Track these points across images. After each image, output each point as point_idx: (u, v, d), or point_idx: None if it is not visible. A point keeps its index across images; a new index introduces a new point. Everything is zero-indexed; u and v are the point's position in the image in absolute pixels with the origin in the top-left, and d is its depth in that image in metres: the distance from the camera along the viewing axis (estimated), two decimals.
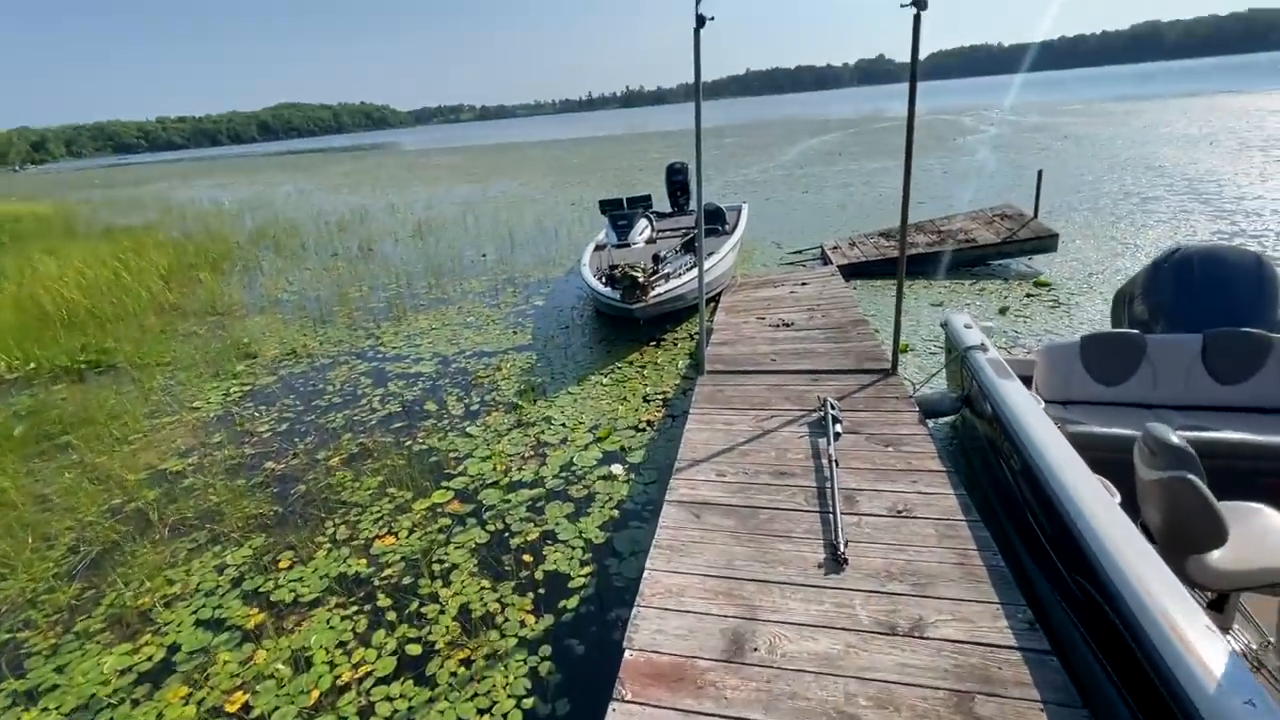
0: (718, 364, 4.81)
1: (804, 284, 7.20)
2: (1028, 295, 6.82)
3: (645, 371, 5.70)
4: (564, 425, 4.81)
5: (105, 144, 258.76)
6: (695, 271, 5.85)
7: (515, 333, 7.09)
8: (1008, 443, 2.91)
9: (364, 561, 3.49)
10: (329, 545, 3.67)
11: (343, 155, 63.29)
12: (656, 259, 7.03)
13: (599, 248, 8.77)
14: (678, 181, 11.35)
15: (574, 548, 3.46)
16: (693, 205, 11.49)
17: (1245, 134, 18.78)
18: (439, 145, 70.58)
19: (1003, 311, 6.39)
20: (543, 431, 4.75)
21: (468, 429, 4.89)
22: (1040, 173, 8.42)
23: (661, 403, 5.05)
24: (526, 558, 3.41)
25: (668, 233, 9.41)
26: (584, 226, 13.11)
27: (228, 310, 8.87)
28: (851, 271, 7.98)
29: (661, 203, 11.41)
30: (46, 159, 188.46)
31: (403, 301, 8.64)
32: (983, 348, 3.65)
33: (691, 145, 3.62)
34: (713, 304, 7.03)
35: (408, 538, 3.67)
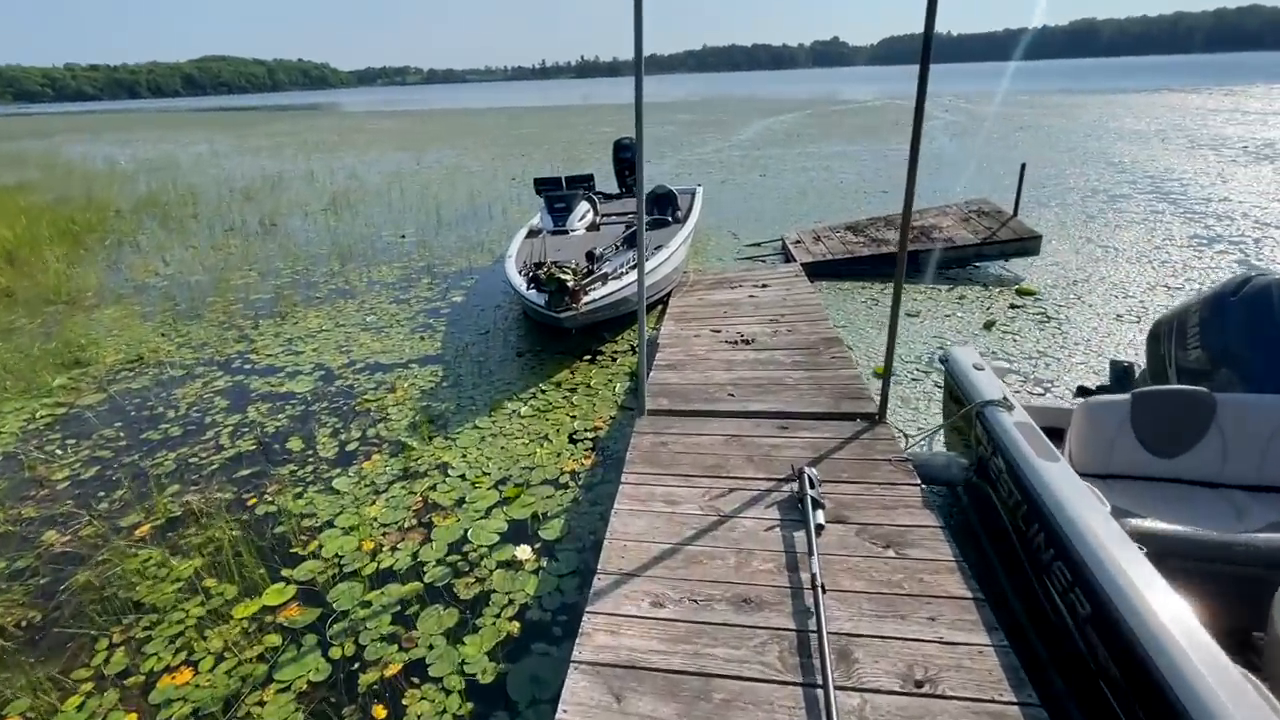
0: (662, 399, 3.80)
1: (765, 285, 6.28)
2: (1012, 306, 6.07)
3: (575, 398, 4.65)
4: (463, 478, 3.72)
5: (4, 91, 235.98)
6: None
7: (423, 338, 5.89)
8: (1064, 565, 2.02)
9: None
10: (89, 686, 2.51)
11: (276, 115, 58.65)
12: (591, 257, 5.93)
13: (532, 234, 7.60)
14: (626, 159, 10.19)
15: (449, 691, 2.42)
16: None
17: (1193, 131, 18.88)
18: (380, 108, 66.41)
19: (988, 327, 5.60)
20: (434, 486, 3.65)
21: (335, 481, 3.74)
22: (1024, 166, 7.68)
23: (591, 445, 4.02)
24: (378, 711, 2.35)
25: (613, 218, 8.31)
26: (522, 206, 11.82)
27: (75, 298, 7.30)
28: (816, 271, 7.09)
29: (608, 182, 10.27)
30: None
31: (294, 293, 7.27)
32: (1005, 404, 2.75)
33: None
34: (660, 307, 6.02)
35: (211, 671, 2.54)
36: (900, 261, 3.14)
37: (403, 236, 9.92)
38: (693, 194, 9.60)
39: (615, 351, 5.48)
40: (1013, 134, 20.05)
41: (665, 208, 8.00)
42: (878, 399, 3.44)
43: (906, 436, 3.53)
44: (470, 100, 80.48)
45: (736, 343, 4.75)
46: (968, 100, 37.41)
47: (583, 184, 8.33)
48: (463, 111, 51.07)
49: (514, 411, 4.46)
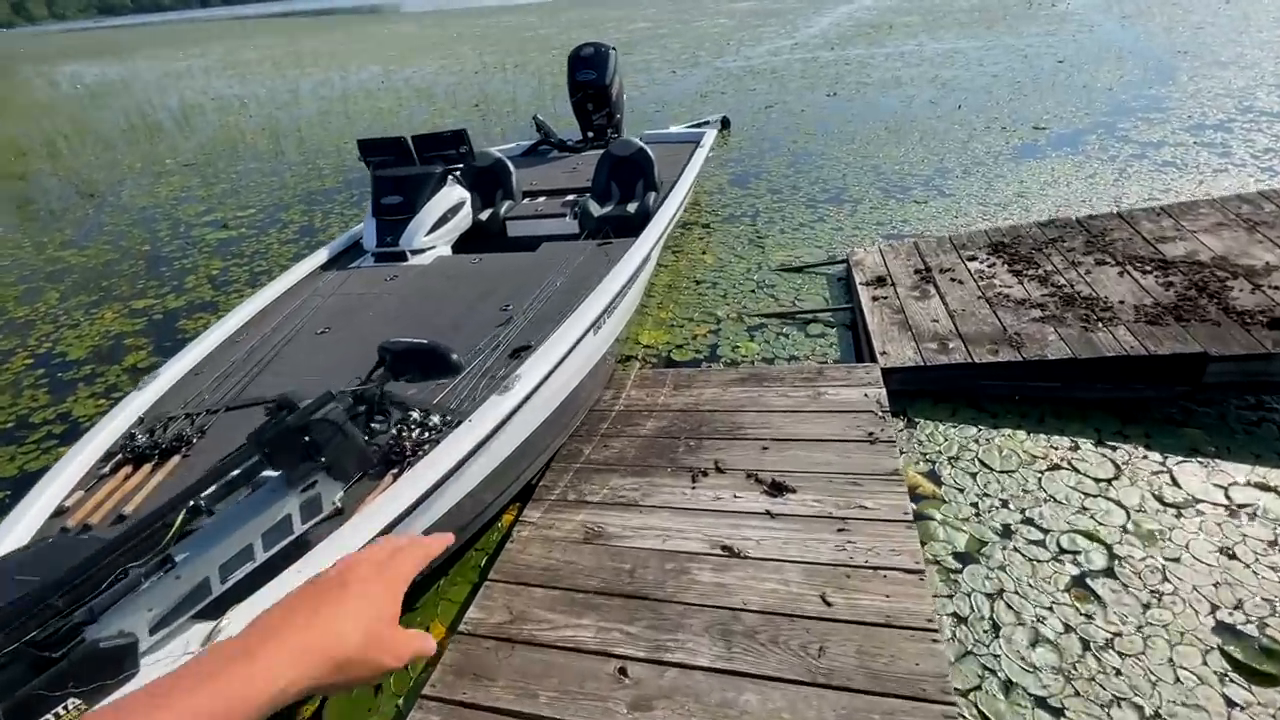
0: None
1: (794, 441, 2.20)
2: None
3: None
4: None
5: (90, 5, 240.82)
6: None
7: None
8: None
9: None
10: None
11: (331, 20, 54.27)
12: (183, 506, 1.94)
13: (331, 266, 3.78)
14: (588, 84, 5.91)
15: None
16: (623, 134, 6.13)
17: None
18: (441, 8, 60.44)
19: None
20: None
21: None
22: None
23: None
24: None
25: (543, 214, 4.35)
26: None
27: None
28: (915, 380, 2.90)
29: (571, 128, 6.18)
30: (17, 22, 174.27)
31: None
32: None
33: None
34: (519, 504, 2.18)
35: None
36: None
37: (225, 225, 6.16)
38: (696, 143, 5.36)
39: None
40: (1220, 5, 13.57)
41: (632, 184, 4.12)
42: None
43: None
44: None
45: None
46: None
47: (447, 148, 4.19)
48: (524, 7, 44.94)
49: None
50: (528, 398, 2.21)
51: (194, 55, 28.33)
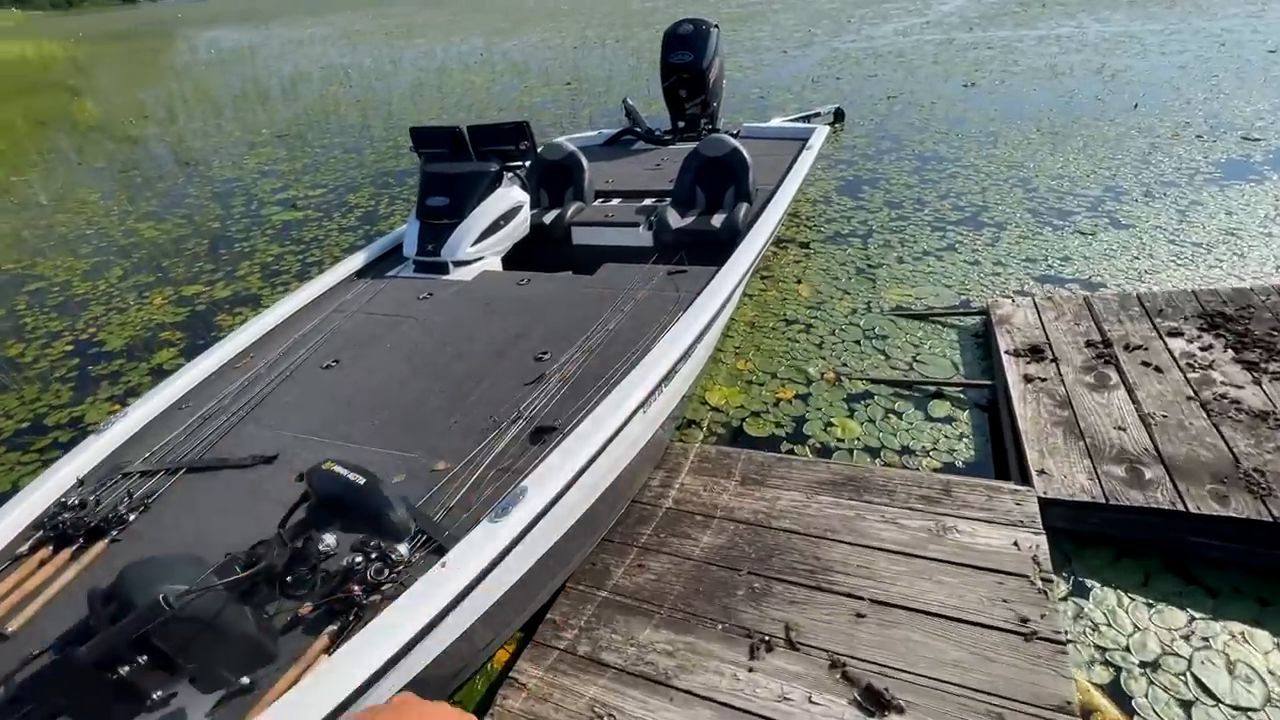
0: None
1: (905, 611, 1.43)
2: None
3: None
4: None
5: None
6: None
7: None
8: None
9: None
10: None
11: None
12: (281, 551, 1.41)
13: (366, 273, 3.36)
14: (683, 67, 5.19)
15: None
16: (718, 124, 5.40)
17: None
18: None
19: None
20: None
21: None
22: None
23: None
24: None
25: (613, 221, 3.73)
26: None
27: None
28: (1089, 519, 2.03)
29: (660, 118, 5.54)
30: None
31: None
32: None
33: None
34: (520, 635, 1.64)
35: None
36: None
37: (294, 205, 5.94)
38: (803, 142, 4.57)
39: None
40: None
41: (721, 191, 3.64)
42: None
43: None
44: None
45: None
46: None
47: (506, 143, 3.59)
48: None
49: None
50: (535, 521, 1.59)
51: (324, 23, 29.59)
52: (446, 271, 3.22)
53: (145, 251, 5.22)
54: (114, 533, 1.81)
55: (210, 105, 11.65)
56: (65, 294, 4.63)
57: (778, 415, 2.73)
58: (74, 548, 1.79)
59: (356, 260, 3.41)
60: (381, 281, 3.18)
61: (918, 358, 2.98)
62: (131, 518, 1.85)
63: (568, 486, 1.67)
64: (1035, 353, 2.67)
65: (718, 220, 3.43)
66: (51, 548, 1.79)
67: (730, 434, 2.67)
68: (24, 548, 1.80)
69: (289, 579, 1.18)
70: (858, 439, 2.56)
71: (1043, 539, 1.90)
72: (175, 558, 1.11)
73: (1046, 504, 2.02)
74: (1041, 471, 2.12)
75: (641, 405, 1.98)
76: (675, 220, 3.50)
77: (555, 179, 4.06)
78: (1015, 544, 1.90)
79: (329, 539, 1.33)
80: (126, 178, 7.48)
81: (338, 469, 1.19)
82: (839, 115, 6.70)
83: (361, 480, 1.17)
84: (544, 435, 1.90)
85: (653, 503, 2.28)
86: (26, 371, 3.69)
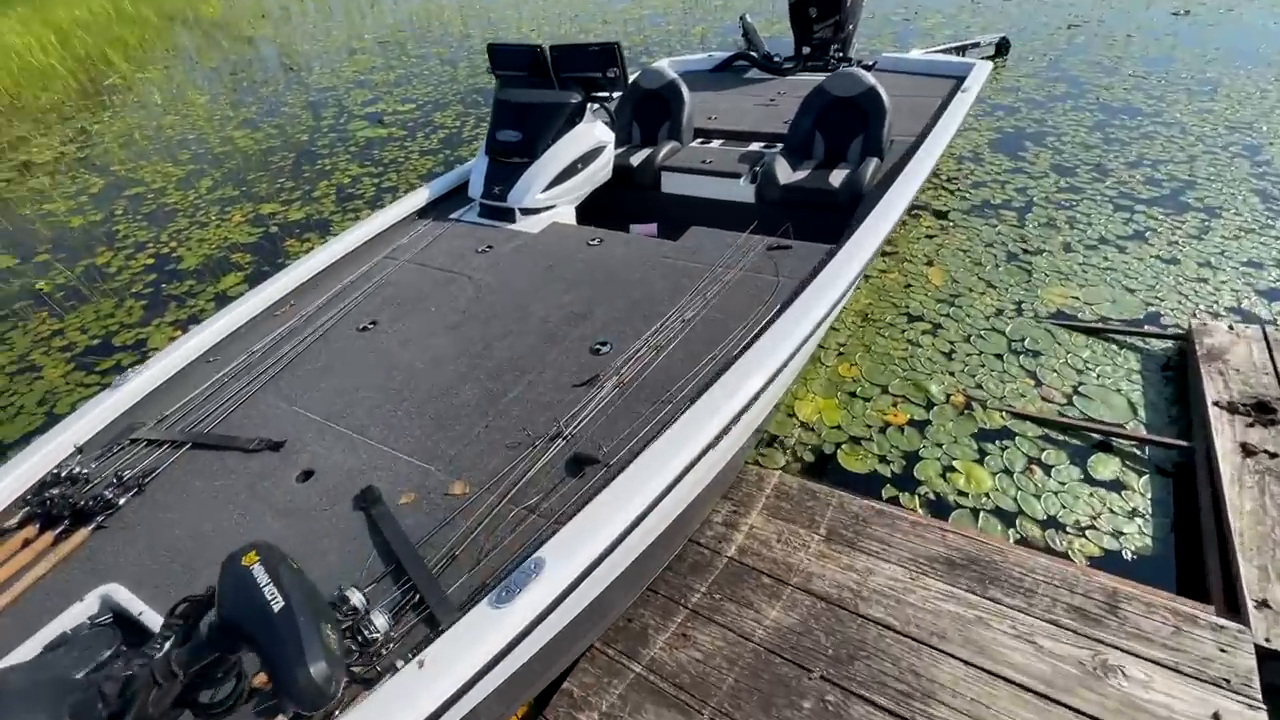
0: None
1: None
2: None
3: None
4: None
5: None
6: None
7: None
8: None
9: None
10: None
11: None
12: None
13: (423, 215, 3.04)
14: None
15: None
16: (849, 53, 4.56)
17: None
18: None
19: None
20: None
21: None
22: None
23: None
24: None
25: (711, 169, 3.19)
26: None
27: None
28: None
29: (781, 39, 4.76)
30: None
31: None
32: None
33: None
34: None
35: None
36: None
37: (382, 121, 5.66)
38: (958, 80, 3.77)
39: None
40: None
41: (846, 140, 3.05)
42: None
43: None
44: None
45: None
46: None
47: (592, 70, 3.05)
48: None
49: None
50: (548, 610, 1.22)
51: None
52: (512, 219, 2.82)
53: (235, 162, 5.16)
54: (100, 518, 1.63)
55: (322, 7, 11.53)
56: (158, 202, 4.64)
57: (883, 445, 2.19)
58: (58, 530, 1.62)
59: (420, 196, 3.06)
60: (442, 225, 2.83)
61: (1081, 389, 2.30)
62: (122, 501, 1.66)
63: (599, 559, 1.28)
64: (1263, 411, 1.95)
65: (837, 178, 2.79)
66: (38, 526, 1.63)
67: (818, 461, 2.17)
68: (12, 521, 1.65)
69: (203, 701, 0.87)
70: (987, 495, 1.99)
71: (1262, 716, 1.33)
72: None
73: (1268, 656, 1.43)
74: (1264, 603, 1.50)
75: (712, 443, 1.52)
76: (785, 174, 2.89)
77: (650, 111, 3.50)
78: (1216, 717, 1.34)
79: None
80: (234, 80, 7.50)
81: (257, 572, 0.84)
82: (1003, 47, 5.53)
83: (278, 604, 0.81)
84: (584, 467, 1.51)
85: (712, 547, 1.86)
86: (110, 283, 3.70)
